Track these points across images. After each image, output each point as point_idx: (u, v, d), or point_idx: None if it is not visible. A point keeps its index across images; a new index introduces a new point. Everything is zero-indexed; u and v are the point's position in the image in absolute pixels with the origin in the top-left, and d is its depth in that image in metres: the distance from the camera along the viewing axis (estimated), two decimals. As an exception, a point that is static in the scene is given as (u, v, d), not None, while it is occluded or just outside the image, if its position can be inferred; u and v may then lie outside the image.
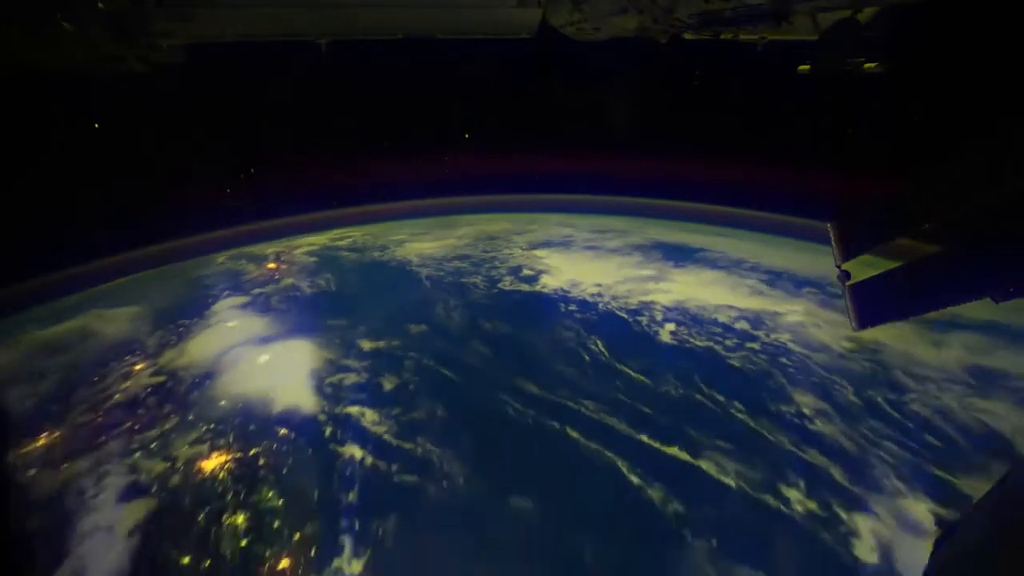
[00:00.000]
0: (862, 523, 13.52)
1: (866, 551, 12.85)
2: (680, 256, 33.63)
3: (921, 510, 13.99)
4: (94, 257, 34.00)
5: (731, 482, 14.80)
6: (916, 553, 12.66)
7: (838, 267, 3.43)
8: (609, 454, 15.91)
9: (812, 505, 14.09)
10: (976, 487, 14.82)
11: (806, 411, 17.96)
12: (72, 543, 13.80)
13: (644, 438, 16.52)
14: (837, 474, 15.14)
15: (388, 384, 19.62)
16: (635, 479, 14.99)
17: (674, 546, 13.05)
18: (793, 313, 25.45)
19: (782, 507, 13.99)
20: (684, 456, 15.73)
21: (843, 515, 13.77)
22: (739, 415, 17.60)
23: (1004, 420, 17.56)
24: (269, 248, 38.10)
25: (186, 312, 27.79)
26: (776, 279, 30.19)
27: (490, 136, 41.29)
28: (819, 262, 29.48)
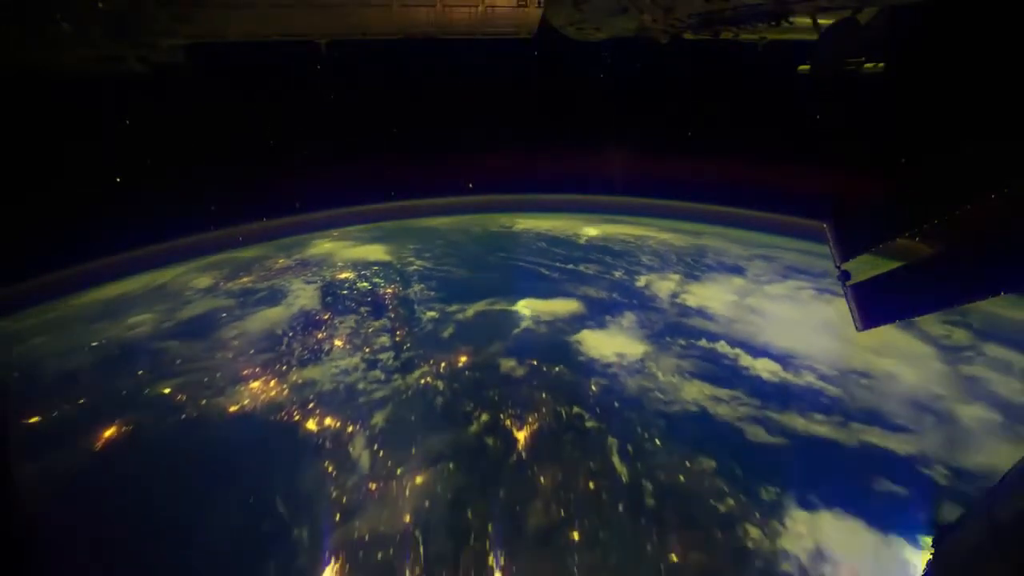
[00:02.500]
0: (644, 280, 30.45)
1: (640, 285, 29.71)
2: (608, 222, 51.32)
3: (676, 278, 30.86)
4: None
5: (591, 272, 31.85)
6: (663, 286, 29.47)
7: (838, 267, 3.48)
8: (539, 268, 33.00)
9: (624, 277, 31.05)
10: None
11: (643, 259, 35.06)
12: (287, 295, 30.75)
13: (555, 263, 33.63)
14: (643, 270, 32.14)
15: (426, 253, 36.94)
16: (546, 272, 32.05)
17: (557, 287, 29.92)
18: (664, 236, 42.80)
19: (608, 276, 30.97)
20: (572, 267, 32.83)
21: (639, 280, 30.70)
22: (606, 259, 34.75)
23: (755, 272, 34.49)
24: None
25: (288, 248, 45.22)
26: (667, 229, 47.64)
27: (488, 137, 45.22)
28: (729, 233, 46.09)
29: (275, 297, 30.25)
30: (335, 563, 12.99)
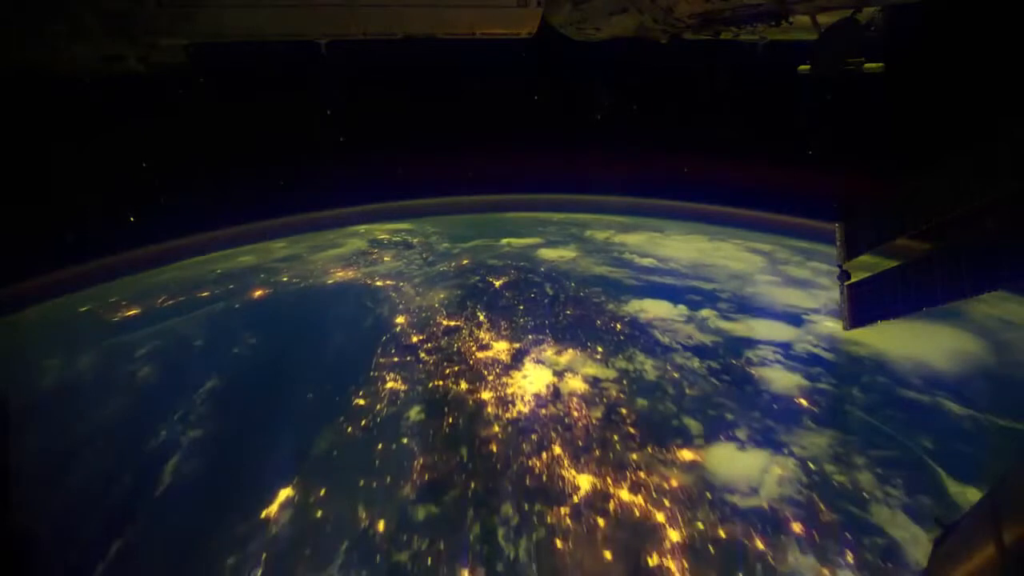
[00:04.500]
0: (589, 232, 44.35)
1: (586, 235, 43.59)
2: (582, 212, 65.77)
3: (611, 231, 44.69)
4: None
5: (554, 231, 45.81)
6: (600, 235, 43.34)
7: (839, 266, 3.45)
8: (518, 230, 47.00)
9: (576, 232, 44.99)
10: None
11: (595, 226, 49.01)
12: (344, 244, 44.72)
13: (531, 228, 47.68)
14: (590, 230, 46.08)
15: (439, 225, 51.10)
16: (523, 231, 46.05)
17: (528, 234, 43.80)
18: (620, 219, 56.93)
19: (565, 231, 44.91)
20: (542, 229, 46.84)
21: (586, 233, 44.61)
22: (567, 226, 48.77)
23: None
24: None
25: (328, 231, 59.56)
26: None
27: (487, 137, 52.14)
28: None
29: (335, 245, 44.23)
30: (402, 316, 26.31)
